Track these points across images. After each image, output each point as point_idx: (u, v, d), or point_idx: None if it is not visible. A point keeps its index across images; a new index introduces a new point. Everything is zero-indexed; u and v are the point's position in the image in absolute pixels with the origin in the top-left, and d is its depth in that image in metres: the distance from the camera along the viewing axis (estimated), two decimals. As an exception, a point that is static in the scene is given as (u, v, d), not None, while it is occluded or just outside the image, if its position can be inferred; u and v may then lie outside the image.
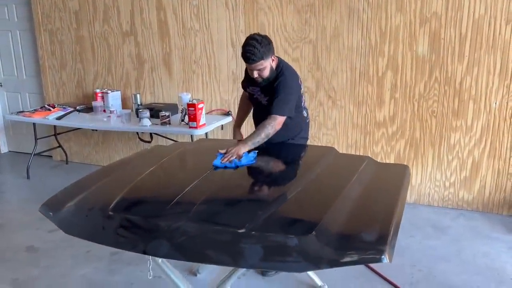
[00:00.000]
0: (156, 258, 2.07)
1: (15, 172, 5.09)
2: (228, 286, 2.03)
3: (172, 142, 4.34)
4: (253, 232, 1.68)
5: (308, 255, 1.59)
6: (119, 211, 1.91)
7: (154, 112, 4.23)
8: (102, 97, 4.73)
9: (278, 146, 2.73)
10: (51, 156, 5.47)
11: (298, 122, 2.80)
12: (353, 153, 3.99)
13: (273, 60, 2.63)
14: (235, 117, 3.96)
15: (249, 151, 2.50)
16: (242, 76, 3.11)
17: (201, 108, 3.90)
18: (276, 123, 2.59)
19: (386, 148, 3.93)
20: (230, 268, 2.02)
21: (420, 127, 3.78)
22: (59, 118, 4.55)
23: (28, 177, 4.82)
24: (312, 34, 3.94)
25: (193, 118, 3.88)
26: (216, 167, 2.35)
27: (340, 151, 2.77)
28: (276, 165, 2.68)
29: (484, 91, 3.54)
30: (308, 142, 3.00)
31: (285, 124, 2.66)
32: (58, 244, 3.36)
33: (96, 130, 4.97)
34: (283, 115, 2.63)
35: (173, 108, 4.43)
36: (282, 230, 1.73)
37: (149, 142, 4.77)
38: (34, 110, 4.83)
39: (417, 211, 3.82)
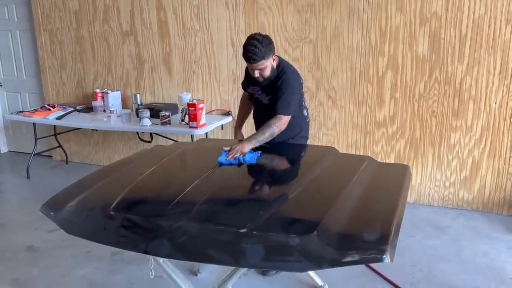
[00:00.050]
0: (158, 258, 2.07)
1: (15, 172, 5.08)
2: (230, 286, 2.03)
3: (172, 142, 4.34)
4: (254, 232, 1.68)
5: (309, 255, 1.59)
6: (121, 211, 1.91)
7: (154, 112, 4.23)
8: (102, 97, 4.73)
9: (279, 146, 2.74)
10: (51, 156, 5.47)
11: (298, 122, 2.81)
12: (353, 153, 3.99)
13: (274, 59, 2.65)
14: (235, 117, 3.97)
15: (254, 150, 2.53)
16: (242, 76, 3.11)
17: (202, 108, 3.90)
18: (281, 123, 2.62)
19: (386, 148, 3.93)
20: (231, 268, 2.03)
21: (420, 127, 3.79)
22: (59, 118, 4.55)
23: (28, 177, 4.82)
24: (312, 34, 3.94)
25: (194, 118, 3.88)
26: (221, 164, 2.39)
27: (340, 151, 2.77)
28: (276, 165, 2.68)
29: (484, 91, 3.54)
30: (308, 142, 3.00)
31: None
32: (58, 244, 3.36)
33: (96, 130, 4.97)
34: (288, 115, 2.66)
35: (173, 108, 4.43)
36: (284, 230, 1.74)
37: (149, 142, 4.77)
38: (34, 110, 4.83)
39: (417, 211, 3.82)
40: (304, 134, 2.93)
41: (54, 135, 5.15)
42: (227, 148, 2.49)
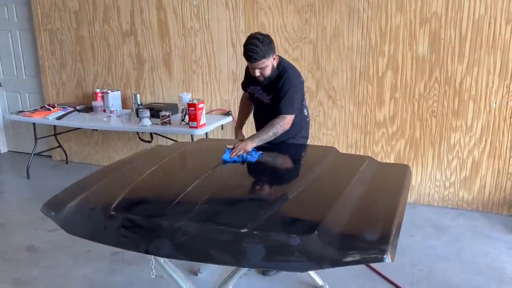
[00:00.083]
0: (159, 258, 2.07)
1: (15, 172, 5.08)
2: (231, 285, 2.03)
3: (172, 142, 4.34)
4: (255, 232, 1.68)
5: (310, 255, 1.59)
6: (121, 211, 1.91)
7: (154, 112, 4.23)
8: (102, 97, 4.73)
9: (279, 146, 2.74)
10: (51, 156, 5.47)
11: (299, 121, 2.82)
12: (353, 153, 3.99)
13: (274, 58, 2.66)
14: (235, 117, 3.97)
15: (257, 149, 2.57)
16: (242, 76, 3.11)
17: (202, 108, 3.90)
18: (285, 122, 2.66)
19: (386, 148, 3.94)
20: (232, 268, 2.03)
21: (420, 127, 3.79)
22: (59, 118, 4.55)
23: (28, 177, 4.82)
24: (312, 34, 3.94)
25: (194, 118, 3.88)
26: (225, 161, 2.44)
27: (340, 151, 2.77)
28: (277, 165, 2.68)
29: (484, 91, 3.55)
30: (308, 142, 3.01)
31: None
32: (58, 244, 3.36)
33: (96, 130, 4.97)
34: (292, 114, 2.69)
35: (173, 108, 4.43)
36: (284, 230, 1.74)
37: (149, 142, 4.77)
38: (34, 110, 4.82)
39: (417, 211, 3.82)
40: (305, 133, 2.94)
41: (54, 135, 5.15)
42: (230, 146, 2.54)
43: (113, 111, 4.56)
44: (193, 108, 3.84)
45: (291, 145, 2.83)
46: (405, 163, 3.82)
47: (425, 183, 3.90)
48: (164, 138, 4.67)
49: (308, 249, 1.61)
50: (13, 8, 5.25)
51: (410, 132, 3.83)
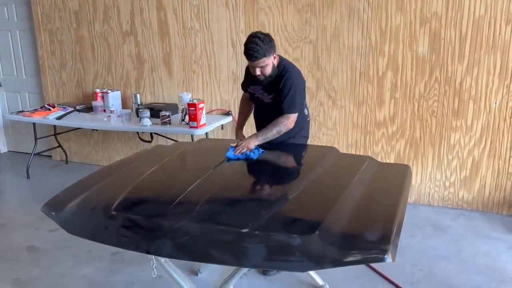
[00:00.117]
0: (159, 258, 2.07)
1: (15, 172, 5.08)
2: (231, 285, 2.03)
3: (173, 142, 4.34)
4: (256, 232, 1.68)
5: (311, 255, 1.59)
6: (122, 211, 1.91)
7: (154, 112, 4.23)
8: (102, 97, 4.73)
9: (280, 146, 2.75)
10: (51, 156, 5.47)
11: (299, 120, 2.82)
12: (353, 153, 4.00)
13: (274, 57, 2.68)
14: (235, 117, 3.97)
15: (260, 147, 2.60)
16: (242, 76, 3.11)
17: (202, 108, 3.90)
18: (289, 122, 2.69)
19: (386, 148, 3.94)
20: (232, 268, 2.03)
21: (420, 127, 3.79)
22: (59, 118, 4.55)
23: (28, 177, 4.82)
24: (313, 34, 3.95)
25: (194, 118, 3.88)
26: (229, 159, 2.48)
27: (340, 151, 2.77)
28: (278, 165, 2.68)
29: (484, 91, 3.55)
30: (308, 142, 3.01)
31: None
32: (58, 244, 3.36)
33: (96, 130, 4.97)
34: (295, 113, 2.72)
35: (173, 108, 4.43)
36: (285, 230, 1.74)
37: (149, 142, 4.77)
38: (34, 110, 4.82)
39: (417, 210, 3.82)
40: (305, 133, 2.95)
41: (54, 135, 5.15)
42: (234, 144, 2.58)
43: (113, 111, 4.56)
44: (193, 108, 3.85)
45: (292, 145, 2.83)
46: (405, 163, 3.83)
47: (425, 183, 3.90)
48: (164, 138, 4.67)
49: (309, 249, 1.61)
50: (13, 8, 5.25)
51: (410, 132, 3.83)
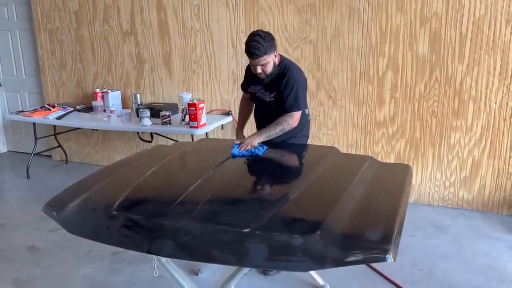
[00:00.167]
0: (161, 258, 2.08)
1: (14, 171, 5.08)
2: (232, 285, 2.03)
3: (173, 142, 4.34)
4: (257, 232, 1.69)
5: (312, 255, 1.60)
6: (123, 211, 1.91)
7: (155, 111, 4.23)
8: (102, 97, 4.73)
9: (280, 146, 2.75)
10: (51, 156, 5.47)
11: (300, 120, 2.82)
12: (353, 152, 4.00)
13: (275, 56, 2.69)
14: (235, 117, 3.97)
15: (263, 144, 2.63)
16: (242, 76, 3.11)
17: (202, 108, 3.90)
18: (293, 120, 2.71)
19: (386, 148, 3.94)
20: (233, 268, 2.03)
21: (420, 127, 3.80)
22: (59, 118, 4.54)
23: (28, 177, 4.82)
24: (313, 34, 3.95)
25: (194, 117, 3.88)
26: (234, 156, 2.52)
27: (341, 151, 2.78)
28: (278, 165, 2.68)
29: (484, 91, 3.55)
30: (309, 142, 3.01)
31: None
32: (59, 243, 3.36)
33: (96, 130, 4.97)
34: (299, 111, 2.73)
35: (173, 107, 4.43)
36: (287, 230, 1.74)
37: (149, 142, 4.77)
38: (34, 109, 4.82)
39: (417, 210, 3.83)
40: (305, 132, 2.95)
41: (54, 135, 5.15)
42: (238, 142, 2.62)
43: (113, 111, 4.56)
44: (194, 108, 3.85)
45: (292, 145, 2.83)
46: (405, 163, 3.83)
47: (425, 183, 3.90)
48: (164, 138, 4.67)
49: (310, 249, 1.61)
50: (13, 8, 5.24)
51: (410, 132, 3.84)
